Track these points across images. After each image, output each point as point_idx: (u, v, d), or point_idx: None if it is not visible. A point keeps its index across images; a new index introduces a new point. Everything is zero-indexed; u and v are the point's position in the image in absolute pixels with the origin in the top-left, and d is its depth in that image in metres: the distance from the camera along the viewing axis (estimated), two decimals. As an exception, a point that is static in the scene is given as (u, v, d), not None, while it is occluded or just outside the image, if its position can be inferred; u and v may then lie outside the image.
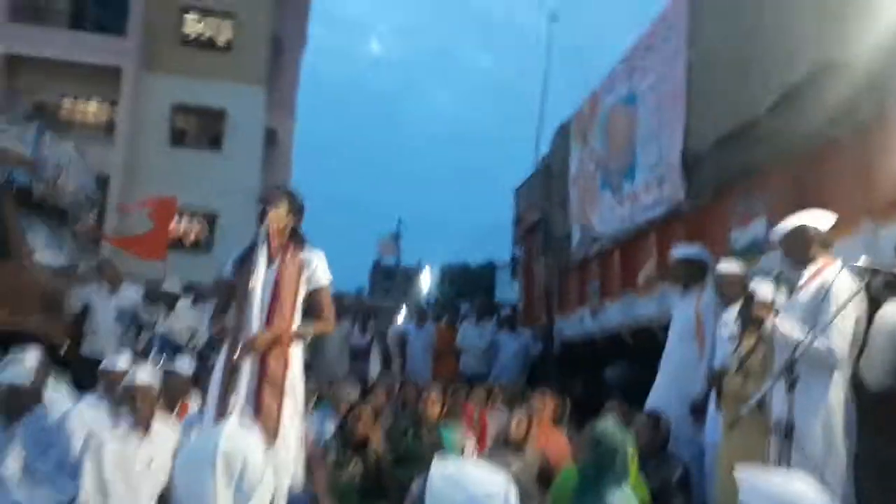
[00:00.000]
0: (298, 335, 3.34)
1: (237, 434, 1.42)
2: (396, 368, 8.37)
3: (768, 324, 3.40)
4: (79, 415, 4.40)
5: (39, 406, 4.31)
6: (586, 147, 7.50)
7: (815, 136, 3.95)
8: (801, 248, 3.40)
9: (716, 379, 4.05)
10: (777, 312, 3.52)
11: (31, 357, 4.79)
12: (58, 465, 4.19)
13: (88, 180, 8.92)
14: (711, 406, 4.21)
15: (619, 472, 3.09)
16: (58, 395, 4.95)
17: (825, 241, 3.39)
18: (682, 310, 4.87)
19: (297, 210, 3.40)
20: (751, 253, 4.59)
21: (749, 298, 3.68)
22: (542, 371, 8.28)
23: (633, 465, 3.51)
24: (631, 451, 3.36)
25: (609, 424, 3.28)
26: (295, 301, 3.31)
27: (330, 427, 5.02)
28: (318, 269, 3.37)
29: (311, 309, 3.38)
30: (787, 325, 3.30)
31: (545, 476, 3.93)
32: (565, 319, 8.07)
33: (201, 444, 1.42)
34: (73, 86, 18.99)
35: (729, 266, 4.39)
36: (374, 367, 7.73)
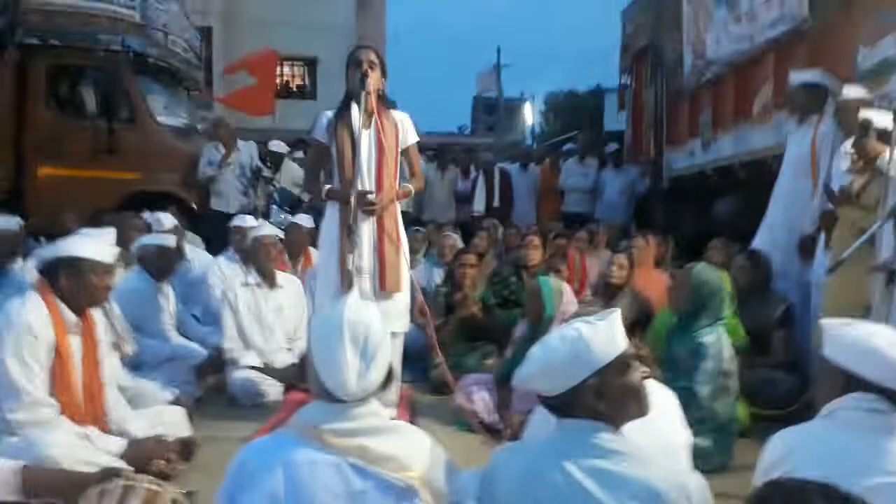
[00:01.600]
0: (405, 193, 3.53)
1: (359, 306, 1.63)
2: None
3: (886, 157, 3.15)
4: (217, 270, 4.93)
5: (183, 262, 4.84)
6: (703, -39, 6.83)
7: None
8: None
9: (826, 215, 3.90)
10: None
11: (170, 217, 5.31)
12: (203, 316, 4.77)
13: (194, 37, 9.14)
14: (821, 244, 4.10)
15: (713, 313, 3.16)
16: (196, 252, 5.53)
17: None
18: (798, 140, 4.60)
19: (385, 72, 3.44)
20: (879, 75, 4.20)
21: (865, 128, 3.42)
22: (648, 208, 8.17)
23: (729, 306, 3.55)
24: (727, 292, 3.39)
25: (703, 266, 3.31)
26: (397, 160, 3.45)
27: (437, 274, 5.32)
28: (409, 128, 3.48)
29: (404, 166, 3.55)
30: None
31: (644, 318, 4.04)
32: (675, 152, 7.80)
33: (330, 315, 1.62)
34: (167, -66, 18.82)
35: (852, 91, 4.05)
36: (479, 208, 7.86)
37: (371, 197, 3.29)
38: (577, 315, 2.41)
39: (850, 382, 1.74)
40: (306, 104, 16.59)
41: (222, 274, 4.88)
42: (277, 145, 7.69)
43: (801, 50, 5.12)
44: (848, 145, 3.93)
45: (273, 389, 3.99)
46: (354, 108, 3.33)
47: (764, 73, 5.72)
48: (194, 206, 7.15)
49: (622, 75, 10.42)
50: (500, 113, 28.47)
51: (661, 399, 2.29)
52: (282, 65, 17.59)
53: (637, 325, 3.82)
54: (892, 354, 1.71)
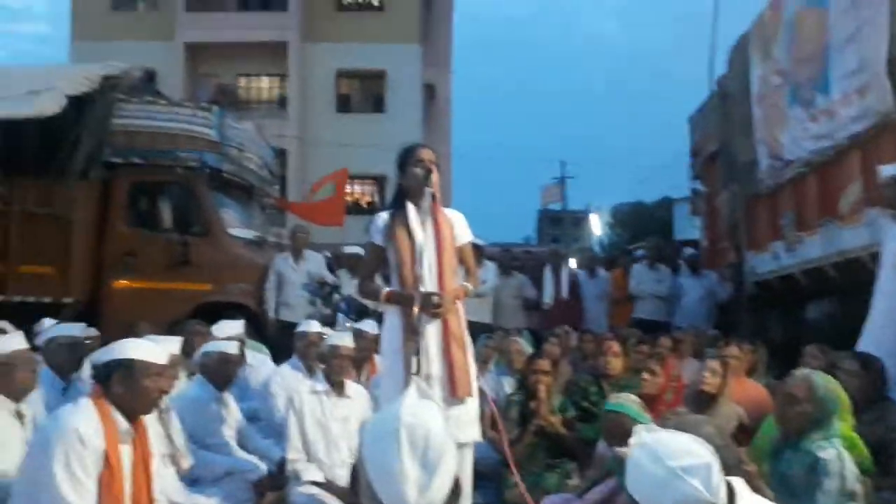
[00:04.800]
0: (466, 292, 3.35)
1: (418, 405, 1.41)
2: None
3: None
4: (280, 378, 4.78)
5: (243, 370, 4.72)
6: (769, 60, 6.76)
7: None
8: None
9: None
10: None
11: (233, 325, 5.26)
12: (265, 427, 4.57)
13: (269, 155, 9.53)
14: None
15: (828, 426, 2.79)
16: (259, 360, 5.43)
17: None
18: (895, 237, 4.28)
19: (440, 170, 3.38)
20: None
21: None
22: (732, 315, 7.73)
23: (847, 418, 3.16)
24: (845, 402, 3.03)
25: (820, 375, 2.96)
26: (455, 258, 3.31)
27: (507, 383, 5.03)
28: (462, 226, 3.38)
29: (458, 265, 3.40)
30: None
31: (743, 431, 3.65)
32: (757, 256, 7.44)
33: (384, 417, 1.41)
34: (246, 65, 20.39)
35: None
36: (547, 300, 7.61)
37: (436, 299, 3.13)
38: (677, 423, 2.11)
39: None
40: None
41: (285, 382, 4.72)
42: (353, 248, 7.75)
43: (888, 143, 4.88)
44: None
45: (336, 509, 3.71)
46: (411, 207, 3.25)
47: (849, 171, 5.48)
48: (263, 317, 7.14)
49: (693, 181, 10.25)
50: (565, 225, 28.54)
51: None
52: (352, 182, 18.28)
53: (735, 438, 3.41)
54: None
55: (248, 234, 7.95)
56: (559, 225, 31.44)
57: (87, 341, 4.94)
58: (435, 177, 3.22)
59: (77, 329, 4.22)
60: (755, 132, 7.14)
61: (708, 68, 9.55)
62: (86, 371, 4.07)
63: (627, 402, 3.33)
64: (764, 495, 2.23)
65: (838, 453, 2.72)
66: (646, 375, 3.93)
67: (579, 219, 31.85)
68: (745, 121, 7.38)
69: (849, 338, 4.41)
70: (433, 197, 3.24)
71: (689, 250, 8.43)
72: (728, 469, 1.57)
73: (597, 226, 31.66)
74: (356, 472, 1.44)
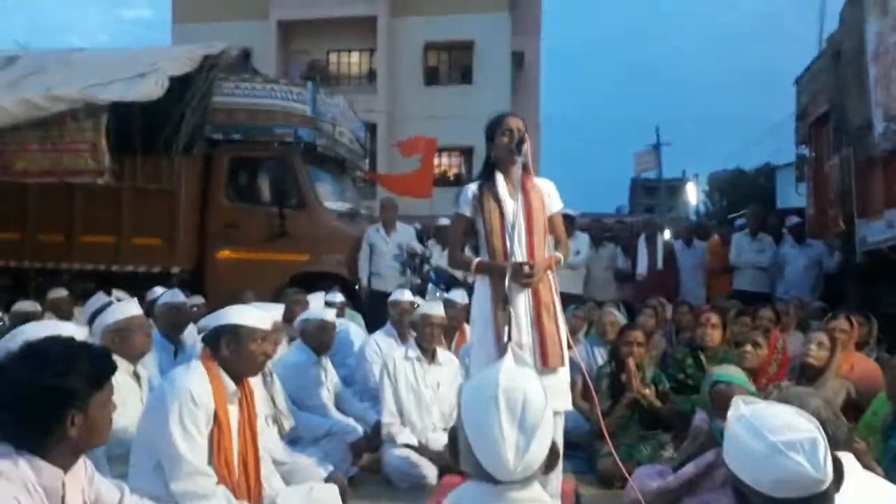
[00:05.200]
0: (556, 262, 3.30)
1: (515, 371, 1.42)
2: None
3: None
4: (374, 345, 4.91)
5: (340, 338, 4.87)
6: (887, 16, 6.25)
7: None
8: None
9: None
10: None
11: (333, 296, 5.44)
12: (361, 393, 4.72)
13: (360, 129, 9.69)
14: None
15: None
16: (355, 329, 5.59)
17: None
18: None
19: (530, 139, 3.32)
20: None
21: None
22: (840, 287, 7.30)
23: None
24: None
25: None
26: (545, 228, 3.26)
27: (599, 354, 4.96)
28: (553, 195, 3.31)
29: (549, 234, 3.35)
30: None
31: (852, 408, 3.46)
32: (869, 224, 6.97)
33: (482, 381, 1.42)
34: (336, 40, 20.69)
35: None
36: (641, 271, 7.40)
37: (527, 268, 3.10)
38: (782, 396, 2.03)
39: None
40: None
41: (379, 349, 4.85)
42: (443, 220, 7.82)
43: None
44: None
45: (430, 472, 3.83)
46: (500, 177, 3.21)
47: (978, 130, 5.01)
48: (357, 286, 7.33)
49: (799, 146, 9.68)
50: (660, 193, 27.61)
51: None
52: (440, 155, 18.33)
53: (845, 414, 3.24)
54: None
55: (342, 206, 8.15)
56: (654, 194, 30.39)
57: (194, 308, 5.25)
58: (526, 146, 3.17)
59: (182, 295, 4.47)
60: (870, 93, 6.64)
61: (818, 26, 8.94)
62: (192, 335, 4.33)
63: (736, 373, 3.22)
64: (875, 473, 2.12)
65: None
66: (748, 347, 3.78)
67: (675, 187, 30.72)
68: (858, 81, 6.88)
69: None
70: (524, 167, 3.21)
71: (793, 219, 7.98)
72: (836, 444, 1.48)
73: (693, 194, 30.47)
74: (455, 435, 1.46)
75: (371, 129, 16.32)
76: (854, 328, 4.23)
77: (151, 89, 7.04)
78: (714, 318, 4.48)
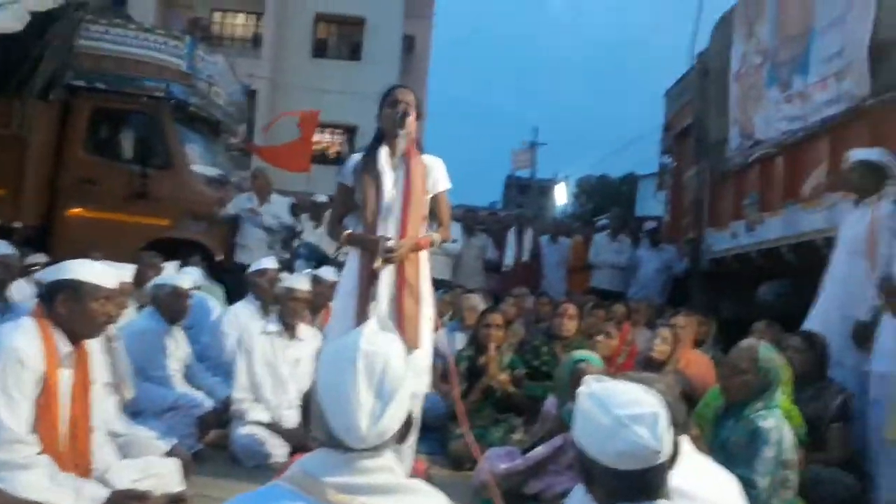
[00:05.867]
0: (430, 242, 3.28)
1: (378, 335, 1.39)
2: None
3: None
4: (232, 317, 4.72)
5: (197, 308, 4.64)
6: (752, 39, 6.75)
7: None
8: None
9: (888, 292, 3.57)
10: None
11: (191, 264, 5.17)
12: (214, 368, 4.53)
13: (238, 92, 9.26)
14: (881, 331, 3.77)
15: (770, 396, 2.87)
16: (213, 300, 5.35)
17: None
18: (854, 222, 4.35)
19: (420, 114, 3.29)
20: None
21: None
22: (686, 289, 7.87)
23: (787, 391, 3.25)
24: (787, 376, 3.11)
25: (767, 346, 3.02)
26: (424, 207, 3.25)
27: (459, 339, 5.05)
28: (440, 174, 3.29)
29: (432, 215, 3.33)
30: None
31: (687, 399, 3.71)
32: (716, 234, 7.54)
33: (342, 344, 1.38)
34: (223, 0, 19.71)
35: None
36: (508, 262, 7.65)
37: (390, 243, 3.07)
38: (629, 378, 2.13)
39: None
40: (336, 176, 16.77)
41: (237, 321, 4.66)
42: (319, 196, 7.65)
43: (860, 130, 4.91)
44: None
45: (280, 451, 3.69)
46: (384, 149, 3.16)
47: (817, 154, 5.51)
48: (219, 258, 7.02)
49: (662, 155, 10.30)
50: (532, 191, 28.56)
51: (729, 490, 1.98)
52: (322, 131, 17.95)
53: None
54: None
55: (211, 171, 7.74)
56: (526, 192, 31.36)
57: (34, 266, 4.82)
58: (410, 119, 3.13)
59: (8, 246, 4.05)
60: (730, 110, 7.15)
61: (690, 43, 9.49)
62: (21, 292, 3.98)
63: (593, 354, 3.36)
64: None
65: (777, 423, 2.79)
66: (600, 337, 3.98)
67: (546, 188, 31.84)
68: (721, 98, 7.38)
69: (797, 319, 4.50)
70: (413, 141, 3.17)
71: (651, 223, 8.52)
72: (676, 426, 1.56)
73: (562, 195, 31.76)
74: (308, 401, 1.41)
75: (251, 95, 15.72)
76: (691, 325, 4.54)
77: (8, 23, 6.37)
78: (572, 310, 4.68)
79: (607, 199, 25.56)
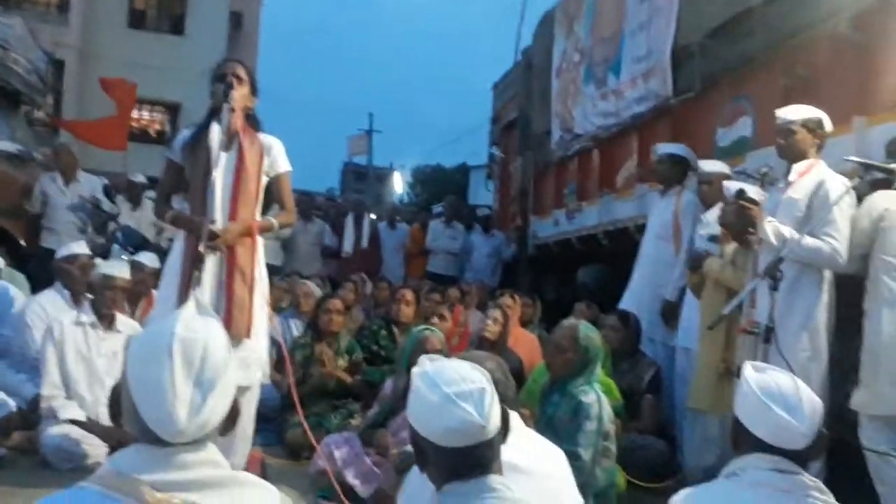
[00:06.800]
0: (265, 226, 3.12)
1: (196, 320, 1.27)
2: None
3: (766, 226, 3.16)
4: (38, 308, 4.23)
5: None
6: (571, 36, 7.17)
7: (809, 28, 3.76)
8: (793, 145, 3.23)
9: (692, 264, 3.95)
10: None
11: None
12: (18, 362, 4.07)
13: (41, 60, 8.34)
14: (685, 309, 4.19)
15: (590, 371, 3.07)
16: (15, 290, 4.79)
17: (817, 140, 3.24)
18: (661, 210, 4.78)
19: (256, 90, 3.15)
20: (733, 154, 4.47)
21: (739, 196, 3.43)
22: (514, 273, 8.27)
23: (605, 366, 3.51)
24: (604, 352, 3.34)
25: (586, 325, 3.23)
26: (258, 188, 3.07)
27: (295, 326, 4.94)
28: (279, 154, 3.14)
29: (272, 198, 3.18)
30: (776, 225, 3.15)
31: (515, 376, 3.90)
32: (540, 221, 7.98)
33: (156, 330, 1.26)
34: (22, -42, 17.63)
35: (712, 165, 4.27)
36: (347, 249, 7.61)
37: (215, 227, 2.88)
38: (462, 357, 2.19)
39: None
40: (164, 151, 15.70)
41: (44, 311, 4.20)
42: (137, 176, 7.09)
43: (664, 127, 5.39)
44: (710, 215, 4.10)
45: (96, 451, 3.37)
46: (215, 126, 2.97)
47: (628, 148, 5.98)
48: (22, 243, 6.31)
49: (491, 147, 10.69)
50: (369, 180, 28.55)
51: (557, 462, 2.11)
52: (141, 108, 16.71)
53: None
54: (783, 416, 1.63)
55: (10, 147, 6.90)
56: (363, 179, 31.30)
57: None
58: (239, 93, 2.96)
59: None
60: (552, 104, 7.57)
61: (515, 39, 9.91)
62: None
63: (436, 329, 3.41)
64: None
65: (598, 397, 3.00)
66: (435, 320, 4.08)
67: (383, 175, 31.96)
68: (544, 93, 7.78)
69: (614, 299, 4.89)
70: (245, 117, 3.00)
71: (483, 211, 8.85)
72: (506, 403, 1.61)
73: (399, 184, 32.08)
74: (117, 393, 1.29)
75: (58, 65, 14.24)
76: (518, 305, 4.79)
77: None
78: (409, 296, 4.75)
79: (442, 188, 26.13)
